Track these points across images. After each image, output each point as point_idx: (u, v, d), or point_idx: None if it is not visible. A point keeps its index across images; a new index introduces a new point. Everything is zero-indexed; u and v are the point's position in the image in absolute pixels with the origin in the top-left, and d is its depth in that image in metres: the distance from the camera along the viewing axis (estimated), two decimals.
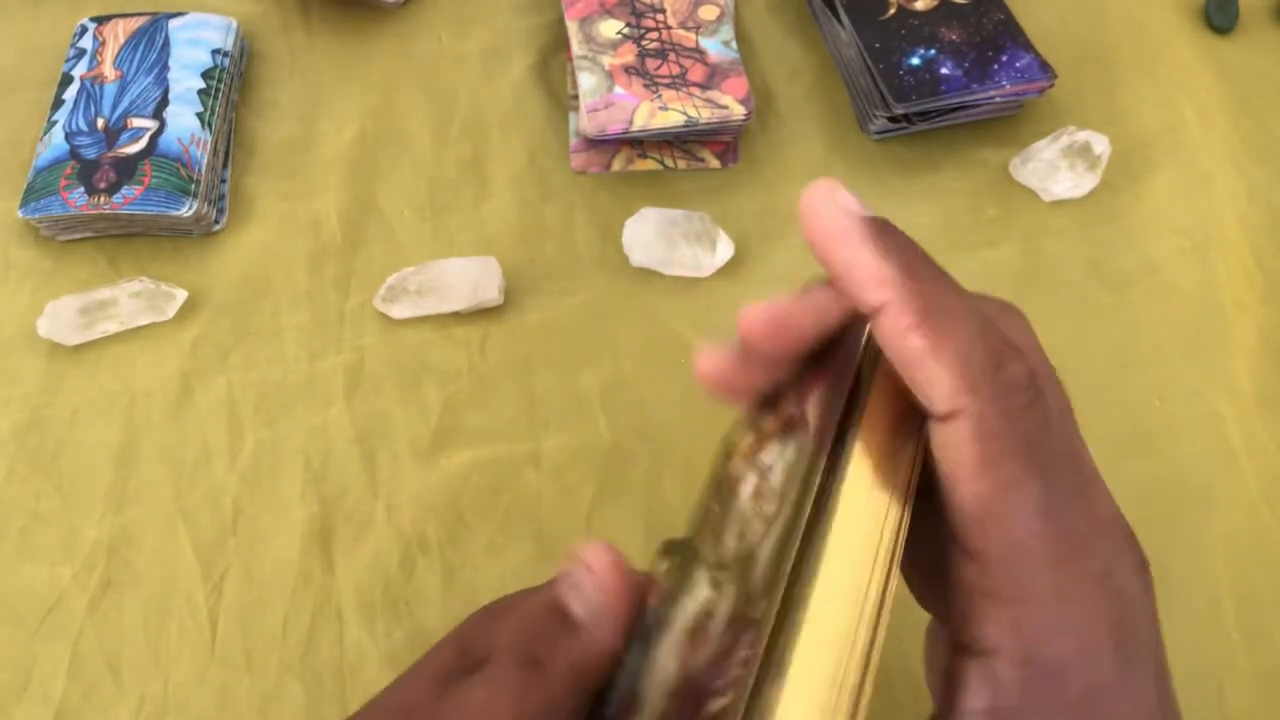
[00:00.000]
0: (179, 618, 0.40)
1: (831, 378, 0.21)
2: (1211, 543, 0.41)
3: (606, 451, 0.43)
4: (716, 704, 0.19)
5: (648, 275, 0.48)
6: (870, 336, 0.22)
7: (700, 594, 0.21)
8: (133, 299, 0.46)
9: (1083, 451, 0.20)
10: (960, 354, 0.18)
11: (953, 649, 0.19)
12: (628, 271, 0.48)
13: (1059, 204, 0.49)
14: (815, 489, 0.20)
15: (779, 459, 0.21)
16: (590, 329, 0.46)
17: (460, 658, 0.23)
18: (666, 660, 0.21)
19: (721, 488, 0.23)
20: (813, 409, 0.21)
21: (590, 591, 0.23)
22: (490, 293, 0.46)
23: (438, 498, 0.42)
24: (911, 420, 0.21)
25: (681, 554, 0.23)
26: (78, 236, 0.49)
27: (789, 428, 0.22)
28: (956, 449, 0.18)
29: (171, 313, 0.46)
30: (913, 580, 0.23)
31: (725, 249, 0.47)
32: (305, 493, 0.42)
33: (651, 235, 0.47)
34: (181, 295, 0.46)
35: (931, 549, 0.21)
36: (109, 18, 0.54)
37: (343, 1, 0.57)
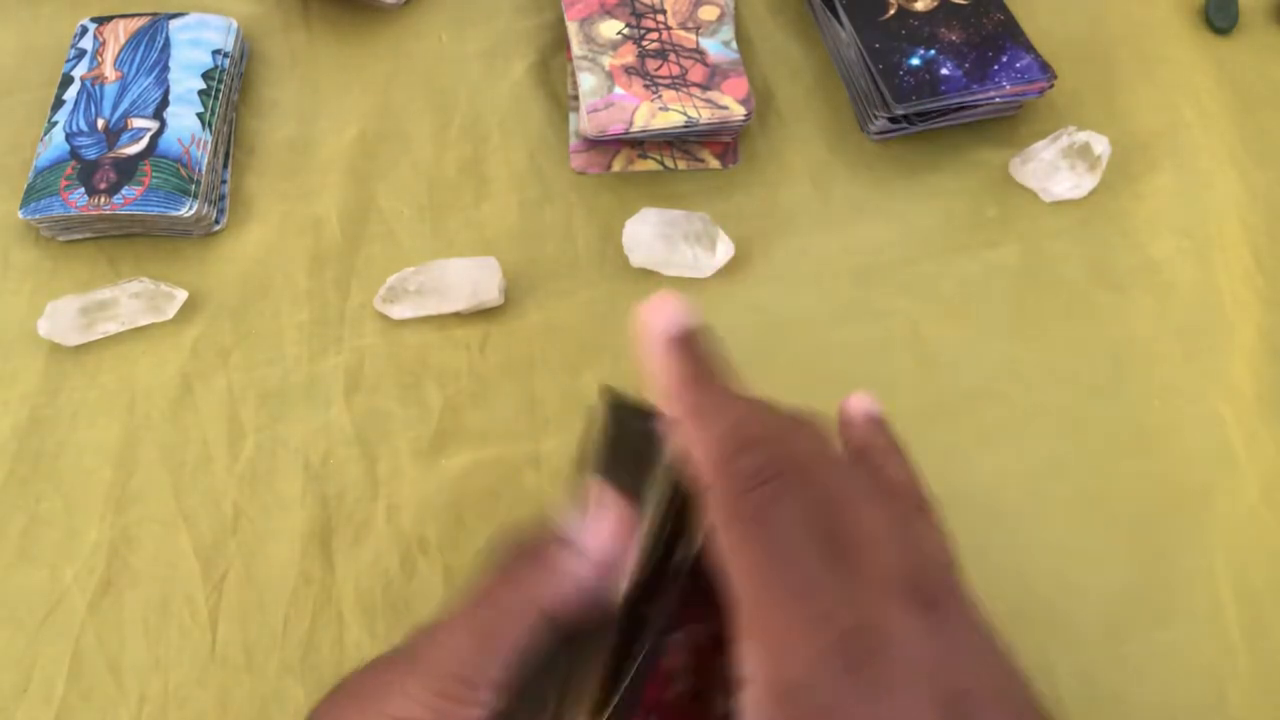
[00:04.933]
0: (179, 618, 0.40)
1: None
2: (1212, 542, 0.41)
3: None
4: None
5: (648, 275, 0.48)
6: None
7: None
8: (133, 299, 0.46)
9: (851, 521, 0.24)
10: (707, 448, 0.24)
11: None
12: (628, 272, 0.48)
13: (1059, 204, 0.49)
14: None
15: None
16: (590, 329, 0.46)
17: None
18: None
19: None
20: None
21: (588, 521, 0.26)
22: (490, 293, 0.46)
23: (438, 498, 0.42)
24: None
25: None
26: (78, 237, 0.49)
27: None
28: (708, 513, 0.23)
29: (172, 313, 0.46)
30: None
31: (725, 249, 0.47)
32: (305, 493, 0.42)
33: (651, 235, 0.47)
34: (181, 295, 0.46)
35: None
36: (109, 18, 0.54)
37: (343, 2, 0.57)
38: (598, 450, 0.27)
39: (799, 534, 0.23)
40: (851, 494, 0.26)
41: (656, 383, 0.26)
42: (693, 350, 0.26)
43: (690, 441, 0.24)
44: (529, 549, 0.26)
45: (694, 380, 0.25)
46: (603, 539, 0.25)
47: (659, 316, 0.26)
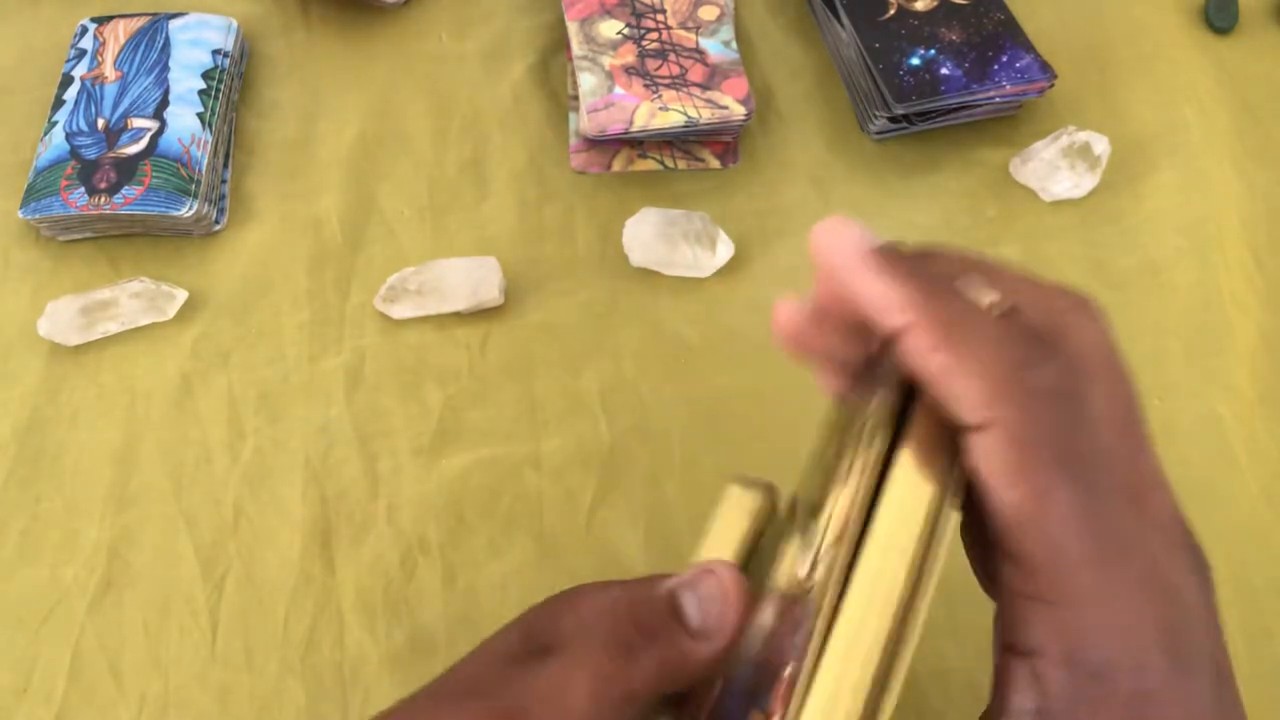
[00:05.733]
0: (179, 618, 0.40)
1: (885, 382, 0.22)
2: (1212, 542, 0.40)
3: (606, 452, 0.43)
4: (786, 671, 0.20)
5: (648, 275, 0.48)
6: None
7: (785, 565, 0.22)
8: (133, 299, 0.46)
9: (1135, 450, 0.20)
10: (983, 366, 0.19)
11: (1002, 648, 0.19)
12: (628, 272, 0.48)
13: (1059, 204, 0.49)
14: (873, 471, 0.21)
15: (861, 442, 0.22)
16: (590, 329, 0.46)
17: (526, 641, 0.23)
18: (753, 630, 0.22)
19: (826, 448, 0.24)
20: (876, 407, 0.22)
21: (710, 596, 0.22)
22: (491, 293, 0.46)
23: (438, 498, 0.42)
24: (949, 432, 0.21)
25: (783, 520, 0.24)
26: (78, 237, 0.49)
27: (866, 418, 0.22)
28: (989, 458, 0.19)
29: (172, 313, 0.46)
30: (979, 575, 0.23)
31: (725, 249, 0.47)
32: (306, 493, 0.42)
33: (651, 235, 0.47)
34: (182, 295, 0.46)
35: (986, 548, 0.21)
36: (109, 18, 0.54)
37: (343, 2, 0.57)
38: (736, 544, 0.25)
39: (1108, 471, 0.19)
40: (1136, 407, 0.20)
41: (875, 303, 0.20)
42: (911, 259, 0.20)
43: (949, 370, 0.19)
44: (655, 632, 0.22)
45: (933, 292, 0.19)
46: (728, 631, 0.22)
47: (842, 237, 0.21)
